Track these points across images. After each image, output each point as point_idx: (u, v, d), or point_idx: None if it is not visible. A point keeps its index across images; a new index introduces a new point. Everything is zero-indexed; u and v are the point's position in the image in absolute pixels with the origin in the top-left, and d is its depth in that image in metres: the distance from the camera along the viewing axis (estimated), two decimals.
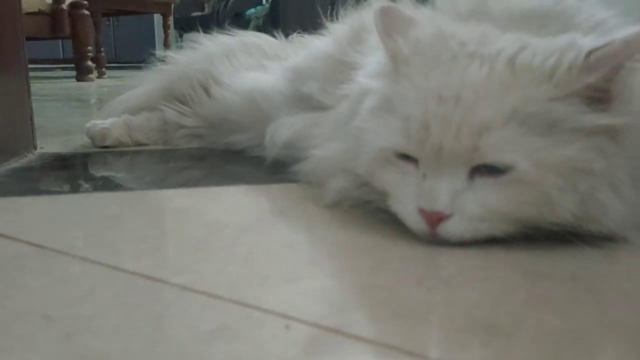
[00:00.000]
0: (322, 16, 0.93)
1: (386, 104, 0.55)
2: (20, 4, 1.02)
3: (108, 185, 0.83)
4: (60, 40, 4.69)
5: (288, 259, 0.48)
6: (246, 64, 1.14)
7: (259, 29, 6.00)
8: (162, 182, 0.85)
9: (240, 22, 6.20)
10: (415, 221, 0.51)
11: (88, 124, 1.10)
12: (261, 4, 5.87)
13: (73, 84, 3.43)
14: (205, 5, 6.33)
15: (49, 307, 0.38)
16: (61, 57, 5.09)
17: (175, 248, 0.50)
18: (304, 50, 1.01)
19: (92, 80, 3.65)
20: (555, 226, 0.49)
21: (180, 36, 6.34)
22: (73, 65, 3.74)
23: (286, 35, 1.17)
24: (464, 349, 0.33)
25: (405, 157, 0.52)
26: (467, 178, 0.50)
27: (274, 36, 1.20)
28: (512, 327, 0.35)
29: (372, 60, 0.64)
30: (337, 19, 0.92)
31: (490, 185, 0.49)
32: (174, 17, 5.93)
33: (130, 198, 0.69)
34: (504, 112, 0.48)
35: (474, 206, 0.49)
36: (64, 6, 3.65)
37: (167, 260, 0.47)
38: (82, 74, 3.67)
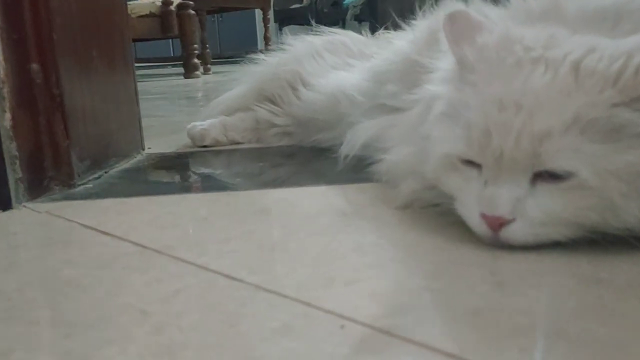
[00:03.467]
0: (418, 8, 0.93)
1: (451, 111, 0.57)
2: (127, 14, 1.12)
3: (204, 186, 0.92)
4: (170, 40, 4.98)
5: (354, 261, 0.52)
6: (332, 63, 1.18)
7: (357, 18, 6.00)
8: (255, 179, 0.91)
9: (338, 11, 6.24)
10: (477, 225, 0.53)
11: (189, 126, 1.20)
12: None
13: (181, 81, 3.65)
14: None
15: (145, 303, 0.44)
16: (171, 54, 5.42)
17: (253, 249, 0.56)
18: (386, 49, 1.03)
19: (198, 77, 3.87)
20: (620, 231, 0.49)
21: (280, 29, 6.50)
22: (181, 63, 3.99)
23: (383, 25, 1.19)
24: (501, 354, 0.35)
25: (470, 162, 0.54)
26: (529, 184, 0.51)
27: (373, 25, 1.22)
28: (553, 335, 0.37)
29: (442, 65, 0.65)
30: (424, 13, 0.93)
31: (551, 191, 0.50)
32: (273, 10, 6.10)
33: (220, 199, 0.76)
34: (565, 119, 0.48)
35: (535, 211, 0.50)
36: (172, 7, 3.90)
37: (245, 261, 0.52)
38: (189, 71, 3.90)
